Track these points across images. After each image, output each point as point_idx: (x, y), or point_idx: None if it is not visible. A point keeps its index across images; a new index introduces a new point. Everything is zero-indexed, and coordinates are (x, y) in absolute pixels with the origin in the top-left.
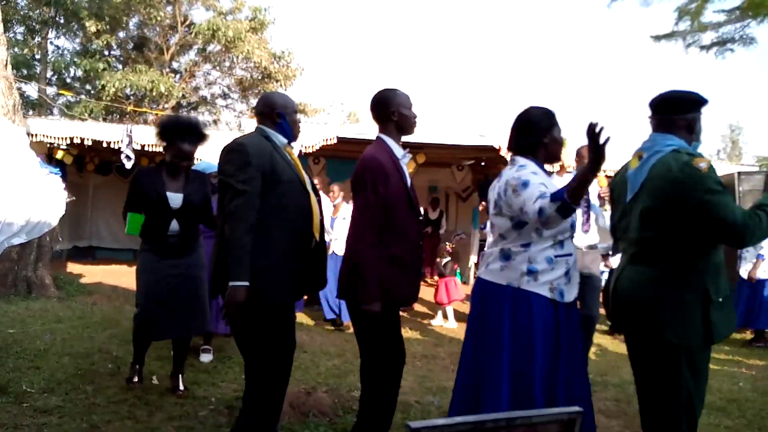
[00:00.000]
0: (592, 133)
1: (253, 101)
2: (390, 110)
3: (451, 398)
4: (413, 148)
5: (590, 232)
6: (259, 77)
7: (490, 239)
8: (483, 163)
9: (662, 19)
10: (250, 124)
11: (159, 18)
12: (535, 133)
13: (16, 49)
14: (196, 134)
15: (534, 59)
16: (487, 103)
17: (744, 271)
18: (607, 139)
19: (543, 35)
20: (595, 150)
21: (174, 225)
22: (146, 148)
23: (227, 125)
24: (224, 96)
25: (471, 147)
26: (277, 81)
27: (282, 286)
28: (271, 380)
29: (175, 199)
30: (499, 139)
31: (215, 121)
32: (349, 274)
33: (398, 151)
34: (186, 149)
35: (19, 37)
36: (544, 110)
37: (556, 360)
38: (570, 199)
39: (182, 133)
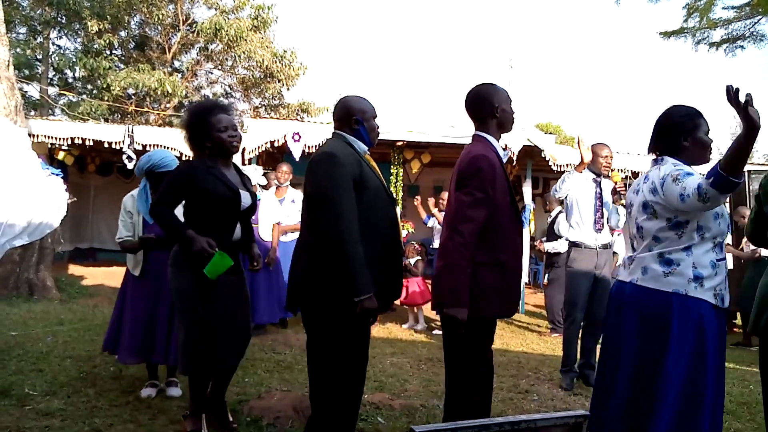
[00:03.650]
0: (730, 96)
1: (255, 100)
2: (493, 107)
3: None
4: (419, 147)
5: (603, 231)
6: (262, 76)
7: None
8: None
9: (671, 16)
10: (252, 124)
11: (161, 17)
12: (678, 134)
13: (18, 50)
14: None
15: (542, 57)
16: None
17: None
18: (749, 100)
19: (552, 32)
20: (739, 113)
21: (238, 230)
22: (148, 149)
23: None
24: (226, 95)
25: None
26: (279, 81)
27: (375, 296)
28: (346, 393)
29: (245, 198)
30: (507, 138)
31: None
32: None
33: (500, 151)
34: (232, 122)
35: (21, 37)
36: (687, 110)
37: (721, 365)
38: (724, 170)
39: (216, 107)
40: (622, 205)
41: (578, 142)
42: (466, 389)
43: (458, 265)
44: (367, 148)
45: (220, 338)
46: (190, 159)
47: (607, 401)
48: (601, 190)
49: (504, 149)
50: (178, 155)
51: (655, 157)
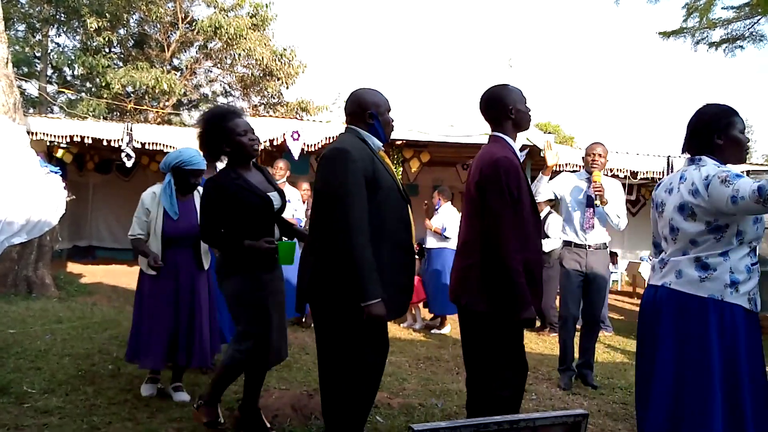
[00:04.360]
0: None
1: (255, 99)
2: (507, 108)
3: (645, 419)
4: (418, 146)
5: (595, 231)
6: (261, 75)
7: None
8: None
9: (670, 16)
10: (251, 122)
11: (160, 15)
12: (712, 132)
13: (17, 47)
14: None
15: (542, 56)
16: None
17: None
18: None
19: (551, 32)
20: None
21: (276, 232)
22: (146, 147)
23: None
24: (225, 93)
25: (476, 145)
26: (278, 79)
27: (385, 302)
28: (360, 395)
29: (275, 199)
30: None
31: None
32: (493, 281)
33: (518, 151)
34: (249, 126)
35: (20, 34)
36: (720, 107)
37: (757, 368)
38: None
39: (230, 112)
40: (596, 205)
41: (545, 147)
42: (496, 386)
43: (517, 270)
44: (381, 144)
45: (273, 333)
46: (213, 175)
47: (647, 406)
48: (590, 189)
49: (521, 150)
50: None
51: (690, 157)
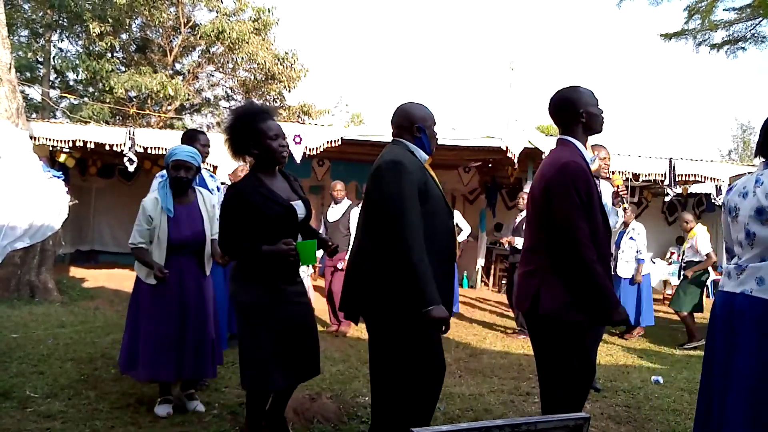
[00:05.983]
0: None
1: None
2: (578, 111)
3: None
4: None
5: None
6: (263, 79)
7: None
8: (490, 165)
9: (672, 18)
10: None
11: (162, 19)
12: None
13: (19, 53)
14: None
15: (544, 59)
16: (495, 104)
17: (621, 271)
18: None
19: (553, 34)
20: None
21: (299, 239)
22: (149, 151)
23: None
24: (227, 98)
25: (478, 148)
26: (280, 82)
27: None
28: (420, 405)
29: (299, 208)
30: (507, 140)
31: (218, 123)
32: (560, 284)
33: (587, 155)
34: (281, 130)
35: (22, 40)
36: None
37: None
38: None
39: (263, 112)
40: (625, 209)
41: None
42: (565, 390)
43: (599, 273)
44: (427, 157)
45: (291, 350)
46: (235, 182)
47: (720, 416)
48: (599, 192)
49: (592, 155)
50: None
51: (766, 161)
